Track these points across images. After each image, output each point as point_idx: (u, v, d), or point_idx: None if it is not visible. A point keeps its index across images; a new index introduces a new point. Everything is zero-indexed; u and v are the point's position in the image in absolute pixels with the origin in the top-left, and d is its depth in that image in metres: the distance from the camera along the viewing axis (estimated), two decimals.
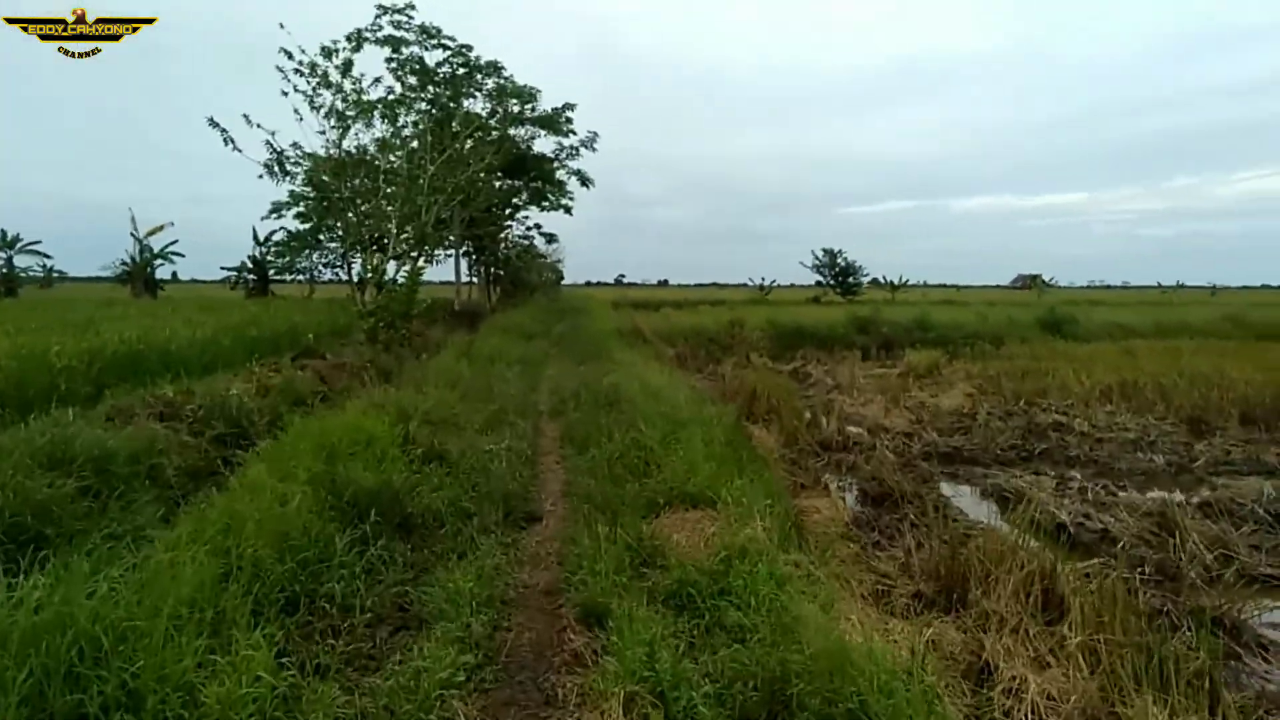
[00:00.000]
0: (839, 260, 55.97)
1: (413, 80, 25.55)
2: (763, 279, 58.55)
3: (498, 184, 32.53)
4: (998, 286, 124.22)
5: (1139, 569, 5.87)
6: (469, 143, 26.59)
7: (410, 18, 24.41)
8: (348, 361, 15.00)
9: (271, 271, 46.02)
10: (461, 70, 27.65)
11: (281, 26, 15.53)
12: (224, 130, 15.75)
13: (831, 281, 56.42)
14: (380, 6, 22.77)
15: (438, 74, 27.26)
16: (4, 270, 47.05)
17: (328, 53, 16.38)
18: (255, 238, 45.89)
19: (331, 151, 16.74)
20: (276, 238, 42.01)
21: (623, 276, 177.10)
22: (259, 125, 16.10)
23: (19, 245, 47.31)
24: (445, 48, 27.04)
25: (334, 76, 16.59)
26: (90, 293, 51.78)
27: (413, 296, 13.88)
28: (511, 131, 32.20)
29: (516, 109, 31.60)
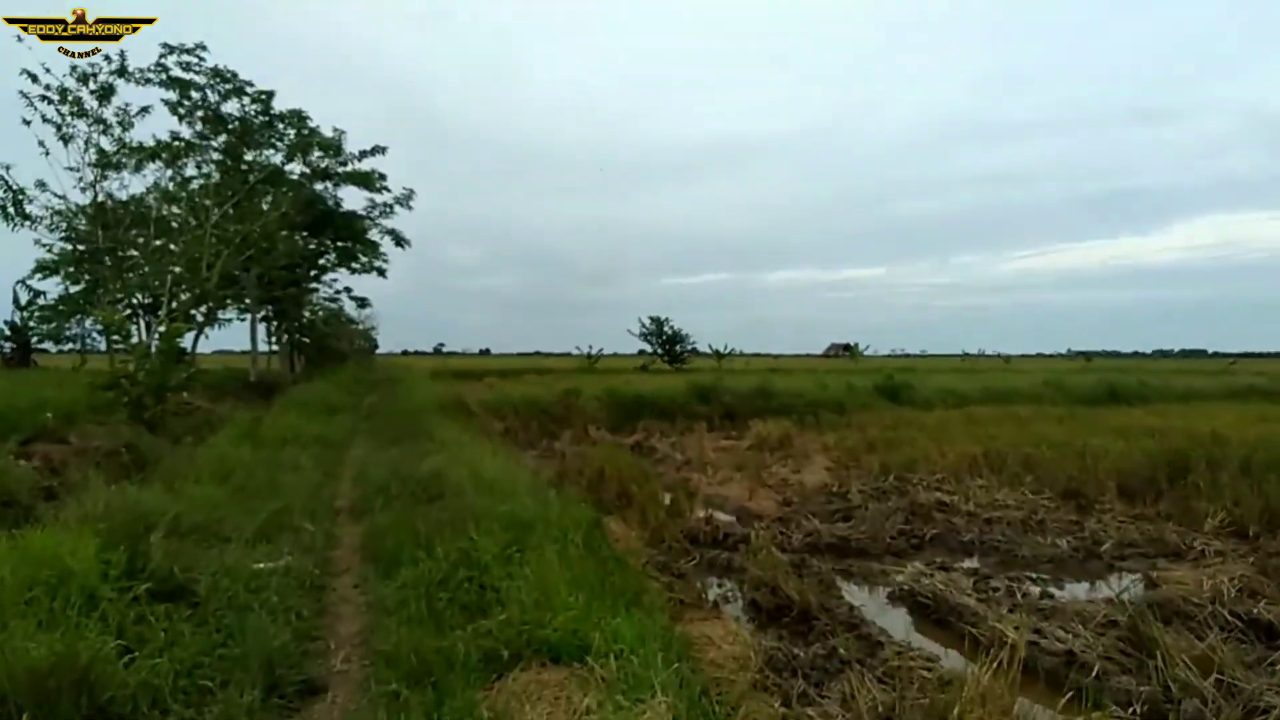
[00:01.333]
0: (666, 329, 55.66)
1: (202, 127, 22.67)
2: (590, 347, 57.34)
3: (301, 240, 29.54)
4: (811, 355, 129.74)
5: (1130, 708, 4.51)
6: (266, 194, 23.78)
7: (201, 59, 21.66)
8: (99, 445, 12.02)
9: (35, 339, 40.11)
10: (260, 119, 24.87)
11: (20, 40, 12.61)
12: None
13: (659, 350, 55.95)
14: (166, 45, 19.94)
15: (232, 121, 24.45)
16: None
17: (84, 77, 13.54)
18: (15, 301, 39.82)
19: (96, 196, 13.78)
20: (42, 301, 36.62)
21: (442, 345, 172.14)
22: None
23: None
24: (242, 93, 24.29)
25: (90, 103, 13.76)
26: None
27: (168, 365, 11.13)
28: (318, 186, 29.50)
29: (323, 162, 29.01)
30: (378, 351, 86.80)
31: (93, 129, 13.80)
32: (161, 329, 16.27)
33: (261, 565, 6.07)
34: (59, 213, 13.78)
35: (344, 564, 6.61)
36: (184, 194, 19.61)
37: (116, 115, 14.13)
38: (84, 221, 13.95)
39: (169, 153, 20.92)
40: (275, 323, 36.39)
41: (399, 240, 31.34)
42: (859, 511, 9.97)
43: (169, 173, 19.23)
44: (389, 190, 30.58)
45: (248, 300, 28.18)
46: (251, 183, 22.81)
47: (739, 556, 7.90)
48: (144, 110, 14.38)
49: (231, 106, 23.47)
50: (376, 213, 30.83)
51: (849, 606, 6.54)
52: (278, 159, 26.82)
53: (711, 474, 12.96)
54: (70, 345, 38.60)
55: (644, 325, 56.19)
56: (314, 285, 35.29)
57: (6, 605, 4.13)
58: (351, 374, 42.05)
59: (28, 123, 13.47)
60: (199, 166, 20.13)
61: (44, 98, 13.37)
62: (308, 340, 41.22)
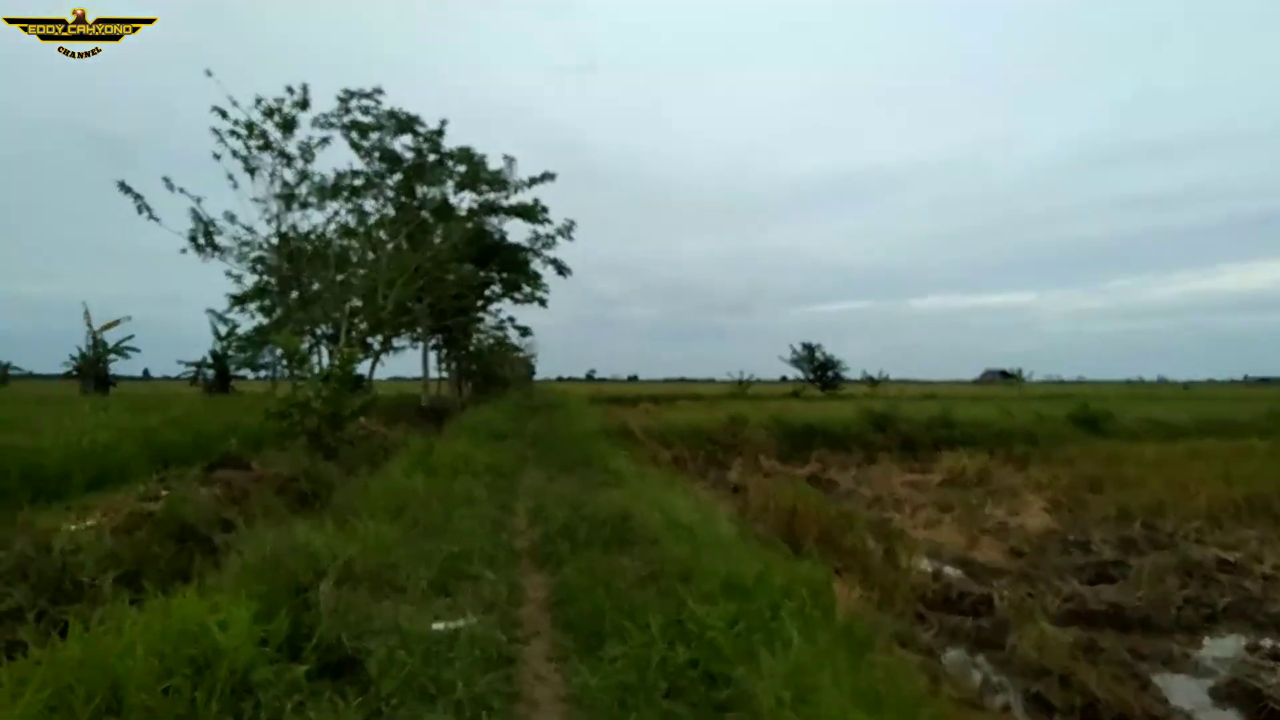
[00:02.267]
0: (818, 354, 53.54)
1: (378, 165, 22.97)
2: (741, 373, 55.76)
3: (468, 269, 29.77)
4: (960, 381, 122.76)
5: None
6: (437, 228, 23.82)
7: (378, 102, 21.94)
8: (278, 473, 11.65)
9: (233, 367, 42.67)
10: (432, 157, 25.06)
11: (209, 74, 12.72)
12: (138, 196, 12.77)
13: (811, 376, 53.82)
14: (346, 92, 20.32)
15: (405, 160, 24.78)
16: None
17: (269, 111, 13.57)
18: (215, 332, 42.51)
19: (279, 228, 13.71)
20: (240, 331, 38.92)
21: (594, 371, 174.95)
22: (181, 190, 13.16)
23: None
24: (415, 133, 24.57)
25: (274, 136, 13.75)
26: (42, 390, 47.68)
27: (344, 392, 10.56)
28: (484, 220, 29.63)
29: (488, 195, 29.10)
30: (535, 377, 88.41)
31: (277, 161, 13.77)
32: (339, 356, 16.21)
33: (440, 627, 5.03)
34: (246, 244, 13.85)
35: (533, 625, 5.48)
36: (362, 228, 19.73)
37: (299, 148, 14.08)
38: (269, 253, 13.92)
39: (349, 190, 21.24)
40: (445, 350, 36.93)
41: (560, 269, 30.99)
42: (1115, 569, 8.05)
43: (348, 208, 19.39)
44: (550, 222, 30.36)
45: (419, 329, 28.43)
46: (423, 217, 22.87)
47: (986, 624, 6.29)
48: (324, 141, 14.30)
49: (403, 144, 23.73)
50: (539, 244, 30.63)
51: (1164, 703, 4.85)
52: (447, 193, 27.06)
53: (909, 514, 11.27)
54: (264, 372, 40.86)
55: (795, 351, 54.33)
56: (480, 314, 35.56)
57: (138, 696, 3.17)
58: (514, 399, 42.28)
59: (217, 157, 13.58)
60: (375, 198, 20.25)
61: (233, 132, 13.44)
62: (474, 367, 41.79)
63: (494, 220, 30.10)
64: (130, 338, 45.03)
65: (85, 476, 10.97)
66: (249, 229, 13.95)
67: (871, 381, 54.58)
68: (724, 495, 13.95)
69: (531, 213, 29.59)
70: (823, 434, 19.16)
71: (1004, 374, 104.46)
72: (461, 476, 10.92)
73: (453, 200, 27.87)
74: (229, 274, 14.39)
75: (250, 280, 16.24)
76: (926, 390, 60.60)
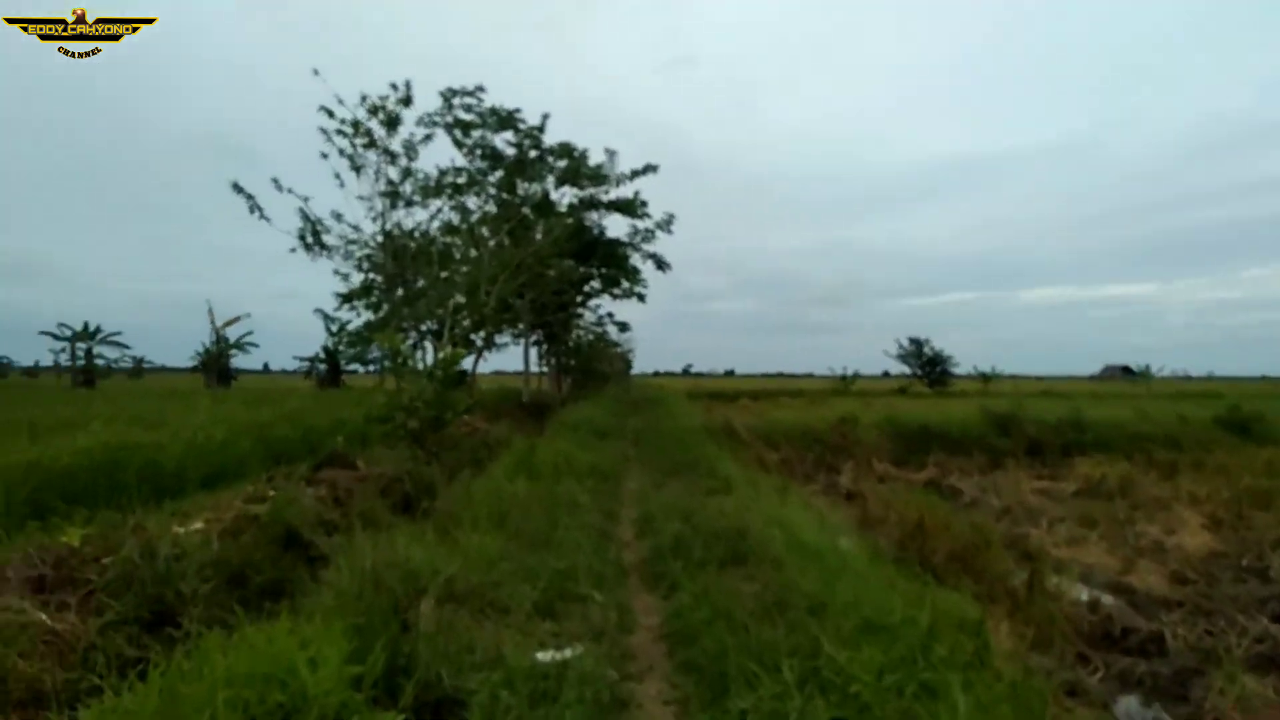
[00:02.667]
0: (926, 349, 51.32)
1: (480, 162, 23.06)
2: (844, 368, 54.00)
3: (568, 265, 29.73)
4: (1074, 377, 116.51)
5: None
6: (538, 223, 23.69)
7: (480, 100, 21.97)
8: (382, 473, 11.56)
9: (344, 362, 44.03)
10: (533, 153, 24.95)
11: (316, 73, 12.72)
12: (250, 196, 12.91)
13: (919, 372, 51.67)
14: (450, 90, 20.35)
15: (506, 157, 24.78)
16: (83, 361, 45.86)
17: (373, 109, 13.52)
18: (327, 328, 43.94)
19: (384, 225, 13.65)
20: (351, 327, 40.09)
21: (690, 366, 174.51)
22: (289, 190, 13.23)
23: (100, 337, 46.12)
24: (515, 129, 24.52)
25: (379, 134, 13.71)
26: (172, 382, 50.39)
27: (447, 390, 10.22)
28: (584, 216, 29.45)
29: (588, 191, 28.90)
30: (632, 372, 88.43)
31: (381, 159, 13.73)
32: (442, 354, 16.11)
33: (547, 657, 4.59)
34: (352, 242, 13.86)
35: (645, 657, 4.97)
36: (464, 225, 19.72)
37: (403, 146, 14.01)
38: (375, 250, 13.90)
39: (453, 188, 21.31)
40: (545, 346, 37.04)
41: (660, 264, 30.53)
42: None
43: (450, 205, 19.42)
44: (650, 216, 29.93)
45: (521, 325, 28.49)
46: (524, 213, 22.77)
47: (1163, 669, 5.45)
48: (427, 138, 14.19)
49: (504, 140, 23.73)
50: (638, 239, 30.26)
51: None
52: (548, 188, 27.01)
53: (1046, 529, 10.27)
54: (373, 366, 41.98)
55: (901, 346, 52.19)
56: (580, 310, 35.49)
57: None
58: (613, 395, 42.15)
59: (324, 156, 13.63)
60: (477, 194, 20.21)
61: (339, 131, 13.45)
62: (573, 362, 41.86)
63: (593, 215, 29.94)
64: (250, 334, 47.18)
65: (201, 473, 11.12)
66: (355, 227, 14.01)
67: (983, 377, 51.88)
68: (836, 502, 13.19)
69: (631, 207, 29.24)
70: (940, 436, 18.02)
71: (1126, 370, 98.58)
72: (564, 479, 10.55)
73: (553, 196, 27.83)
74: (336, 272, 14.50)
75: (357, 278, 16.46)
76: (1044, 387, 57.38)
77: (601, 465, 11.99)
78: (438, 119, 19.50)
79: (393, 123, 13.48)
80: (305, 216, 13.33)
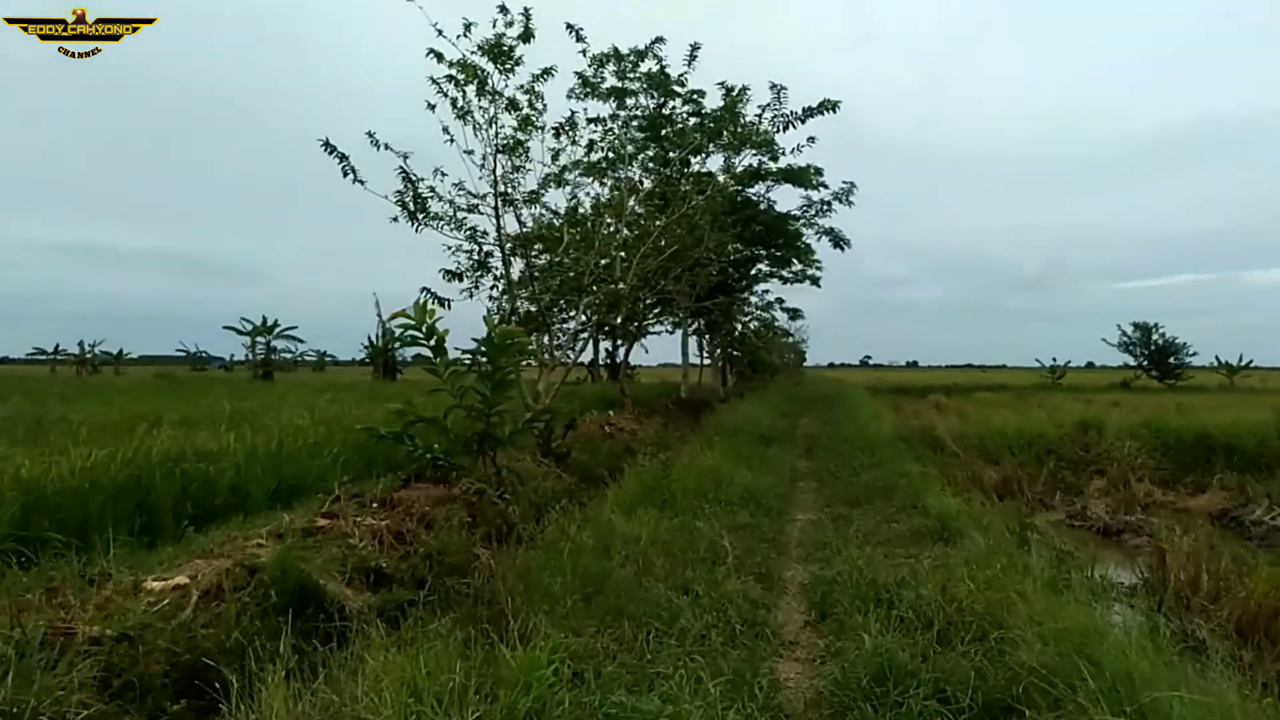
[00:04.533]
0: (1155, 337, 44.14)
1: (637, 134, 20.68)
2: (1053, 360, 47.53)
3: (732, 248, 26.69)
4: None
5: None
6: (697, 198, 20.91)
7: (636, 64, 19.59)
8: (481, 489, 9.26)
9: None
10: (693, 120, 22.11)
11: (421, 8, 10.58)
12: (343, 157, 10.99)
13: (1145, 362, 44.60)
14: (603, 53, 17.88)
15: (667, 128, 22.17)
16: (262, 354, 47.88)
17: (492, 52, 11.17)
18: (487, 320, 43.26)
19: (498, 186, 11.32)
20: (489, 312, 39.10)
21: (869, 358, 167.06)
22: (387, 147, 11.18)
23: (277, 331, 47.87)
24: (674, 94, 21.86)
25: (494, 77, 11.37)
26: (344, 376, 51.75)
27: (494, 392, 7.37)
28: (750, 190, 26.38)
29: (755, 159, 25.82)
30: (805, 365, 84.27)
31: (494, 104, 11.44)
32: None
33: None
34: (466, 209, 11.66)
35: None
36: (614, 197, 17.33)
37: (523, 89, 11.67)
38: (489, 213, 11.62)
39: (607, 163, 19.08)
40: (706, 335, 34.30)
41: (838, 241, 26.92)
42: None
43: (604, 184, 17.15)
44: (826, 186, 26.42)
45: (679, 312, 25.96)
46: (684, 188, 20.07)
47: None
48: (547, 72, 11.73)
49: (657, 105, 21.13)
50: (812, 212, 26.81)
51: None
52: (713, 164, 24.28)
53: None
54: (529, 360, 40.93)
55: (1124, 333, 45.03)
56: (745, 295, 32.40)
57: None
58: (782, 389, 38.86)
59: (432, 107, 11.50)
60: (630, 162, 17.74)
61: (450, 77, 11.31)
62: (738, 353, 38.77)
63: (760, 188, 26.83)
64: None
65: (265, 488, 9.22)
66: (460, 185, 11.72)
67: (1229, 369, 43.86)
68: (1090, 541, 9.64)
69: (803, 176, 25.89)
70: (1225, 448, 13.68)
71: None
72: (708, 511, 7.77)
73: (715, 168, 25.10)
74: (447, 249, 12.35)
75: (465, 254, 14.05)
76: None
77: (759, 488, 9.07)
78: (590, 88, 17.19)
79: (507, 58, 11.05)
80: (406, 177, 11.28)
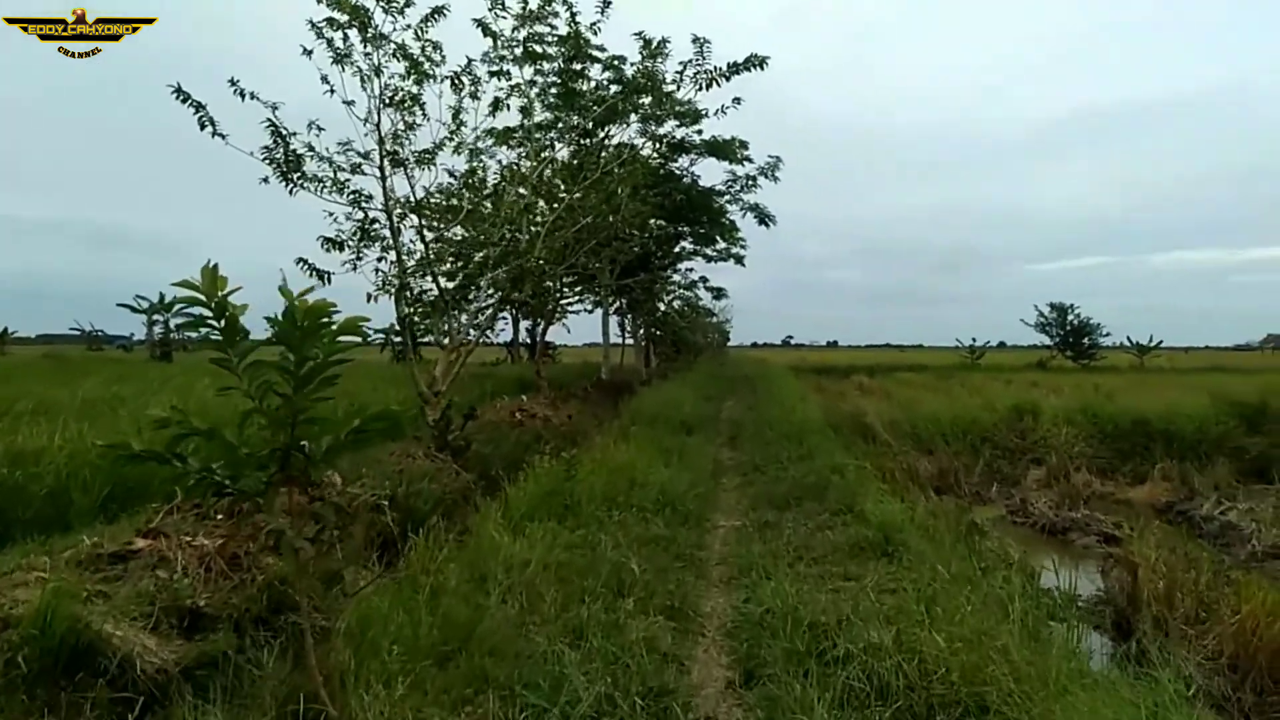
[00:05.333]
0: (1071, 317, 44.59)
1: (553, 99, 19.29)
2: (973, 340, 47.79)
3: (655, 224, 25.49)
4: (1217, 348, 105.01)
5: None
6: (616, 171, 19.56)
7: (553, 27, 18.12)
8: (365, 496, 7.94)
9: (419, 333, 41.35)
10: (614, 88, 20.69)
11: None
12: (199, 106, 9.38)
13: (1061, 343, 45.05)
14: (520, 15, 16.13)
15: (584, 96, 20.77)
16: (160, 334, 45.02)
17: None
18: (404, 299, 41.16)
19: (387, 144, 9.79)
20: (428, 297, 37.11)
21: (791, 338, 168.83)
22: (253, 96, 9.60)
23: (176, 308, 44.87)
24: (593, 59, 20.44)
25: (381, 20, 9.88)
26: (265, 356, 48.73)
27: (298, 394, 6.03)
28: (674, 166, 25.20)
29: (678, 132, 24.65)
30: (729, 344, 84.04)
31: (379, 50, 9.96)
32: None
33: None
34: (344, 168, 10.10)
35: None
36: (522, 168, 15.88)
37: (413, 34, 10.21)
38: (374, 170, 10.09)
39: (518, 128, 17.69)
40: (628, 315, 33.14)
41: (763, 218, 25.93)
42: None
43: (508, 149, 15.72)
44: (751, 160, 25.42)
45: (598, 290, 24.76)
46: (601, 157, 18.73)
47: None
48: (438, 11, 10.27)
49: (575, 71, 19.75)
50: (737, 187, 25.78)
51: None
52: (631, 135, 23.05)
53: None
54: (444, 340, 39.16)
55: (1041, 314, 45.42)
56: (668, 274, 31.28)
57: None
58: (707, 370, 38.02)
59: (308, 52, 9.97)
60: (547, 130, 16.35)
61: (329, 20, 9.81)
62: (661, 333, 37.70)
63: (683, 161, 25.68)
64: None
65: (94, 496, 7.73)
66: (348, 147, 10.22)
67: (1139, 349, 44.69)
68: (1032, 539, 8.92)
69: (728, 149, 24.84)
70: (1163, 435, 13.21)
71: None
72: (617, 520, 6.63)
73: (636, 137, 23.92)
74: (327, 214, 10.76)
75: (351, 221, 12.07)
76: (1212, 360, 49.49)
77: (680, 487, 7.97)
78: (505, 53, 15.55)
79: None
80: (275, 131, 9.70)
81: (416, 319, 36.56)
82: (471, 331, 12.43)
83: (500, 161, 14.86)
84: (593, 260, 18.86)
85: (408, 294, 11.17)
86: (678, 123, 24.79)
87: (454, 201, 12.87)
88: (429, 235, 11.53)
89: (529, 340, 35.60)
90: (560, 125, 19.43)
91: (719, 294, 39.23)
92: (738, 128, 24.20)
